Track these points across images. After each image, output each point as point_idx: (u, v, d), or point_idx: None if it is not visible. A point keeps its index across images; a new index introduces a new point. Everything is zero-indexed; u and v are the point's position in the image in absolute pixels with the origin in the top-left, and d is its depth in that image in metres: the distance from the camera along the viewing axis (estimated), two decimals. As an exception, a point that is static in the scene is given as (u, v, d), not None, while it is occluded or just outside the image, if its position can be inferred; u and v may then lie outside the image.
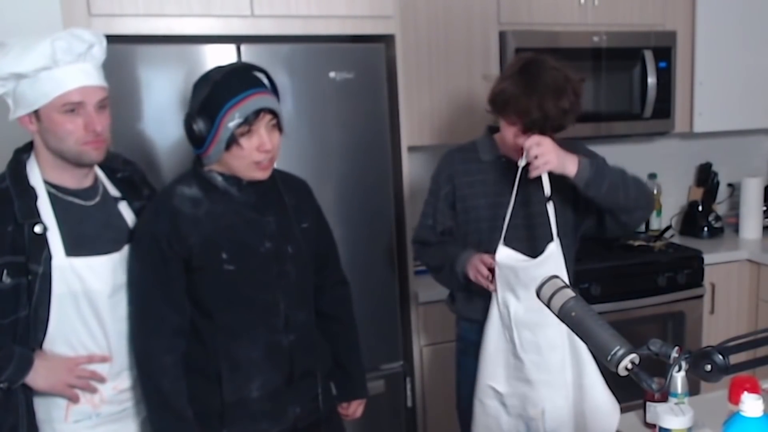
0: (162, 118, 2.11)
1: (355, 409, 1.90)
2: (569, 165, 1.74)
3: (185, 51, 2.12)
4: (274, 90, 1.61)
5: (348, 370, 1.87)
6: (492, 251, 1.82)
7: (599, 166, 1.79)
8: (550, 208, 1.76)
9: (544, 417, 1.79)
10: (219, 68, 1.56)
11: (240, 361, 1.61)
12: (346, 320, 1.88)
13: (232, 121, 1.49)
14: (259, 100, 1.52)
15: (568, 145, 1.81)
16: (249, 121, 1.50)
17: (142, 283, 1.58)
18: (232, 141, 1.51)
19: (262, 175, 1.60)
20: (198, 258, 1.57)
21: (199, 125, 1.52)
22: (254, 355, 1.62)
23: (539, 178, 1.76)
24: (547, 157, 1.71)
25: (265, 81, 1.60)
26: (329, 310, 1.83)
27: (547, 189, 1.75)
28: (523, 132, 1.77)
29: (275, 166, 1.65)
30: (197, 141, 1.54)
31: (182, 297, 1.59)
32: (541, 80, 1.74)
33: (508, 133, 1.82)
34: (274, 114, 1.57)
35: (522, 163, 1.76)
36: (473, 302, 1.97)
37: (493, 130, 1.96)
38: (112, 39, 2.04)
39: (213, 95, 1.51)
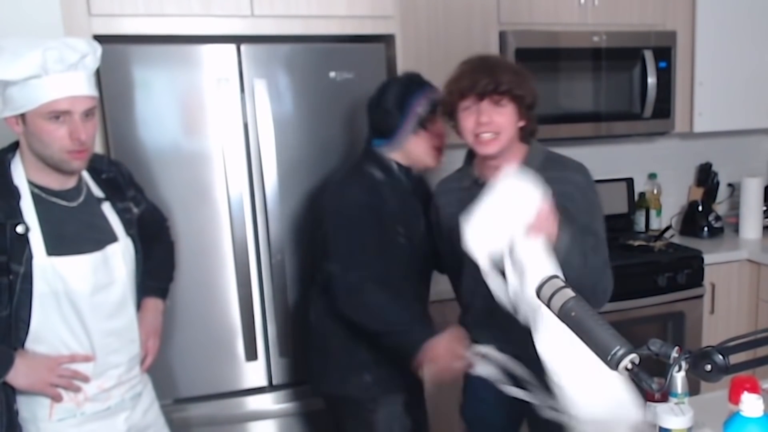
0: (162, 118, 2.11)
1: None
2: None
3: (185, 51, 2.12)
4: None
5: None
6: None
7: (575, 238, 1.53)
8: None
9: None
10: (400, 76, 2.00)
11: None
12: None
13: (422, 107, 1.86)
14: (439, 94, 1.82)
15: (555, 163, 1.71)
16: (434, 109, 1.84)
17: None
18: (419, 126, 1.87)
19: (434, 163, 1.95)
20: None
21: (394, 114, 1.87)
22: None
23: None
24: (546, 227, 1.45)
25: None
26: None
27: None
28: (468, 96, 1.62)
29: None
30: (387, 131, 1.89)
31: None
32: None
33: (468, 122, 1.64)
34: None
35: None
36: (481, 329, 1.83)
37: (472, 155, 1.81)
38: (111, 39, 2.05)
39: (406, 90, 1.88)
